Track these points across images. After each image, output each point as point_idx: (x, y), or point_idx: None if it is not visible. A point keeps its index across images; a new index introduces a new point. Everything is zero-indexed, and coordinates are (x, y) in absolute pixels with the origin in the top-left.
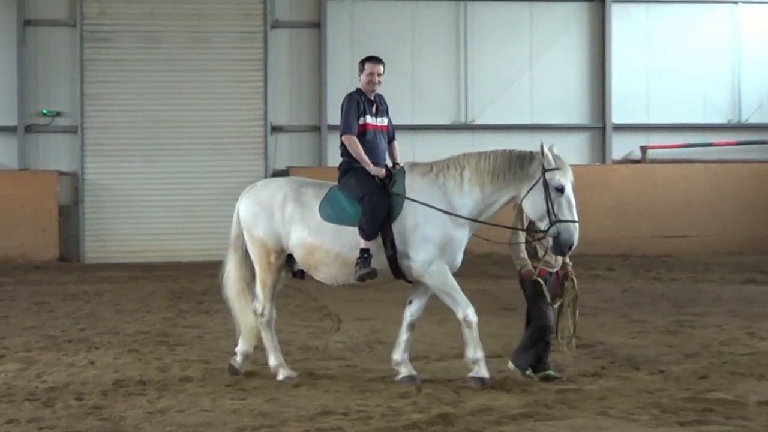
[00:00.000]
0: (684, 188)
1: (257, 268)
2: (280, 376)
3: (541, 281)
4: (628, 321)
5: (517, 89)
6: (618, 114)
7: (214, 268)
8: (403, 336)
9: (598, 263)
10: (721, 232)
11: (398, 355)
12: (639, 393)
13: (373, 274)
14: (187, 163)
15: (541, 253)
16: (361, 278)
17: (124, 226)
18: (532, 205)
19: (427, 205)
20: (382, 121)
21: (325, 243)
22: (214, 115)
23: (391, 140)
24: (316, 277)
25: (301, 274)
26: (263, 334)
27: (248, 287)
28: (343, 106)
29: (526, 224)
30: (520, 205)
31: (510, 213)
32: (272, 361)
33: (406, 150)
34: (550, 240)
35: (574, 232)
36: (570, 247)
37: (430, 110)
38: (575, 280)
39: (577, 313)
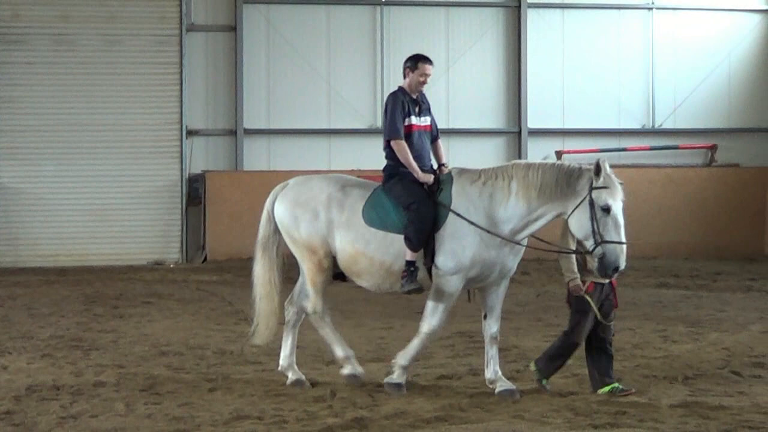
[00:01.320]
0: None
1: (306, 269)
2: (347, 371)
3: (588, 298)
4: (542, 325)
5: (434, 94)
6: (533, 119)
7: (129, 272)
8: (490, 353)
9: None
10: (634, 237)
11: (491, 373)
12: (553, 396)
13: (419, 290)
14: (102, 167)
15: (591, 265)
16: (408, 293)
17: (37, 230)
18: (578, 224)
19: (470, 222)
20: (426, 121)
21: (369, 250)
22: (128, 119)
23: (435, 139)
24: (358, 283)
25: (342, 277)
26: (322, 332)
27: (277, 290)
28: (387, 107)
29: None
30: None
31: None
32: (339, 352)
33: (322, 155)
34: (596, 261)
35: (621, 254)
36: (615, 269)
37: (347, 115)
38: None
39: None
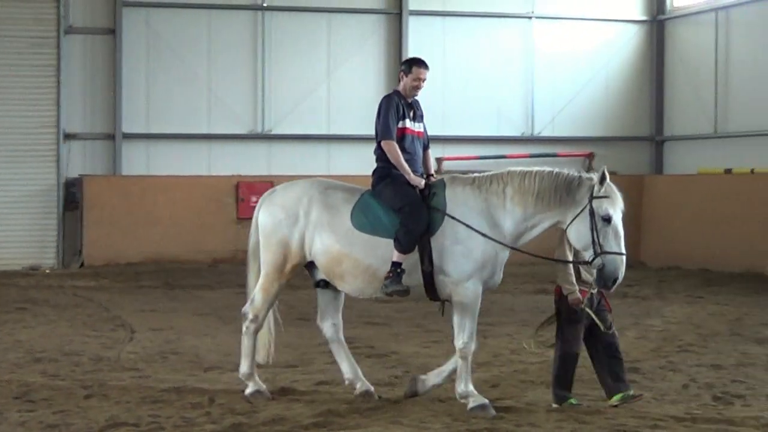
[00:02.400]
0: None
1: (264, 274)
2: (249, 389)
3: (588, 311)
4: (422, 331)
5: (315, 100)
6: None
7: (2, 277)
8: (449, 365)
9: None
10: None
11: (432, 378)
12: (432, 402)
13: (405, 291)
14: None
15: (585, 276)
16: (390, 294)
17: None
18: (577, 234)
19: (468, 226)
20: (419, 127)
21: (355, 253)
22: (4, 122)
23: (425, 148)
24: (339, 288)
25: (324, 284)
26: (244, 339)
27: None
28: (380, 108)
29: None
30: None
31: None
32: (244, 368)
33: (201, 161)
34: (594, 272)
35: (620, 265)
36: (614, 281)
37: (227, 120)
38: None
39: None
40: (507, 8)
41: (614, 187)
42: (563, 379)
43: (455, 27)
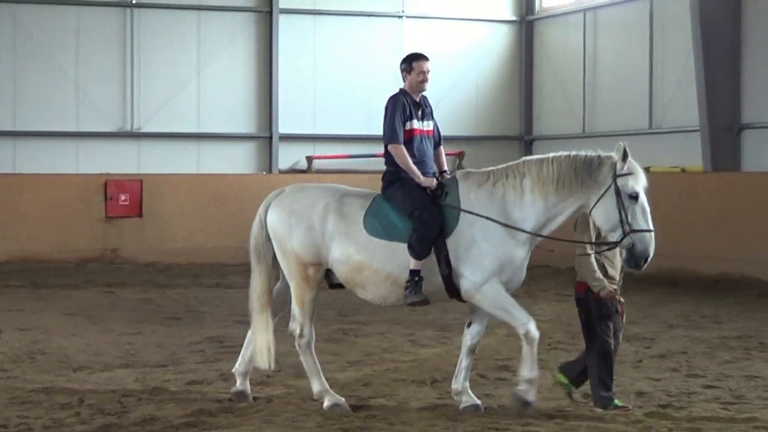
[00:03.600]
0: None
1: (293, 285)
2: (327, 404)
3: (621, 299)
4: None
5: (185, 97)
6: (285, 124)
7: None
8: (463, 362)
9: None
10: None
11: (458, 383)
12: (304, 401)
13: (425, 302)
14: None
15: (611, 272)
16: (411, 305)
17: None
18: (604, 215)
19: (485, 217)
20: (429, 125)
21: (375, 261)
22: None
23: (437, 145)
24: (360, 296)
25: (340, 286)
26: (303, 358)
27: (272, 303)
28: (386, 110)
29: (593, 237)
30: (586, 216)
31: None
32: (315, 387)
33: (69, 159)
34: (624, 252)
35: (650, 242)
36: (646, 259)
37: (95, 117)
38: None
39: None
40: (377, 7)
41: (636, 164)
42: (606, 380)
43: (326, 25)
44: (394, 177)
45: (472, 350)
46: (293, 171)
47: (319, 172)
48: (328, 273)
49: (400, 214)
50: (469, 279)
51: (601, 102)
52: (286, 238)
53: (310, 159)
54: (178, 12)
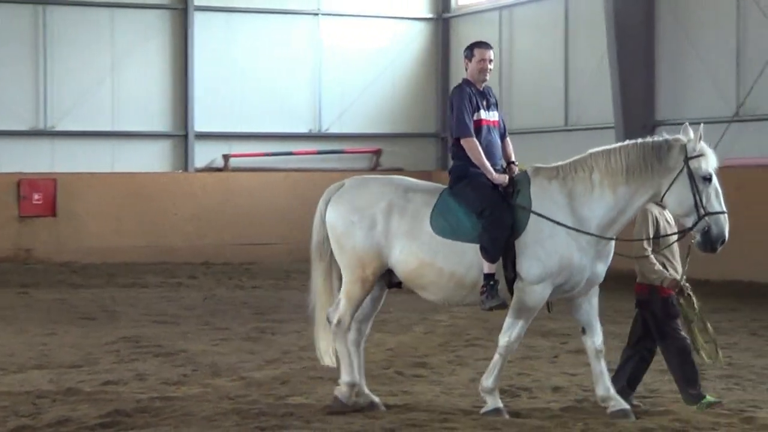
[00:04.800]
0: (265, 196)
1: (346, 281)
2: (344, 397)
3: (690, 293)
4: (210, 329)
5: (99, 96)
6: (200, 122)
7: None
8: (596, 368)
9: (180, 271)
10: (302, 240)
11: (601, 390)
12: (221, 399)
13: (503, 306)
14: None
15: (671, 271)
16: (490, 310)
17: None
18: (678, 200)
19: (555, 222)
20: (495, 116)
21: (438, 260)
22: None
23: (503, 137)
24: (422, 296)
25: (399, 285)
26: (339, 347)
27: (334, 299)
28: (452, 101)
29: (652, 233)
30: (644, 213)
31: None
32: (344, 377)
33: None
34: (698, 236)
35: (725, 224)
36: (723, 241)
37: (7, 116)
38: (693, 295)
39: (708, 325)
40: (293, 5)
41: (706, 145)
42: (692, 377)
43: (241, 23)
44: (462, 172)
45: (599, 352)
46: (210, 169)
47: (235, 170)
48: (388, 272)
49: (468, 211)
50: (524, 274)
51: (518, 99)
52: (347, 236)
53: (226, 157)
54: (90, 9)
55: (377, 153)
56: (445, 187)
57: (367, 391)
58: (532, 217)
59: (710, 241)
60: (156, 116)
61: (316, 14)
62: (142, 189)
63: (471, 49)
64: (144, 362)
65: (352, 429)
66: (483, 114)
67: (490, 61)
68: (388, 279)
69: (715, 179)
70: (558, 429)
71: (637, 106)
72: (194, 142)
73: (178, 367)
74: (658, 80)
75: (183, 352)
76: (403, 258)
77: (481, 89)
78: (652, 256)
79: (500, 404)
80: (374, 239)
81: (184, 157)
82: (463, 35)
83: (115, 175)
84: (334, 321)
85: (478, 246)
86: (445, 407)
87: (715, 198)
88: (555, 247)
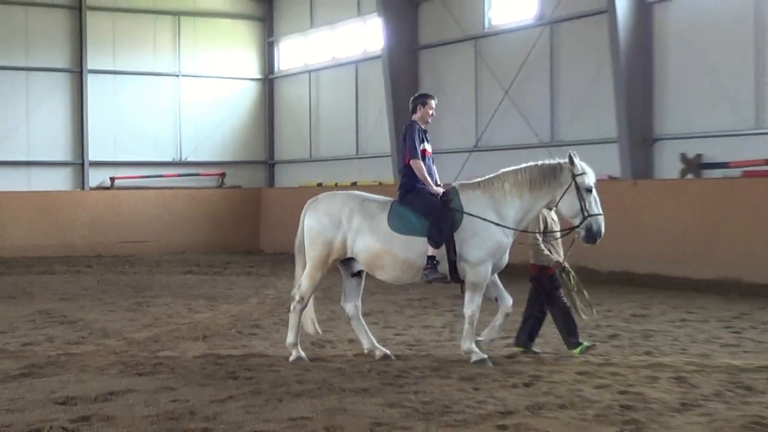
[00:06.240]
0: (142, 207)
1: (310, 265)
2: (293, 357)
3: (571, 270)
4: (102, 303)
5: (18, 135)
6: (93, 153)
7: None
8: (498, 321)
9: (79, 262)
10: (169, 238)
11: (486, 336)
12: (109, 354)
13: (444, 278)
14: None
15: (555, 255)
16: (431, 281)
17: None
18: (569, 206)
19: (482, 218)
20: (430, 147)
21: (394, 249)
22: None
23: (431, 162)
24: (378, 277)
25: (356, 275)
26: (291, 316)
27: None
28: (405, 134)
29: (542, 228)
30: (538, 213)
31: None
32: (290, 338)
33: None
34: (583, 232)
35: (602, 223)
36: (600, 235)
37: None
38: (571, 271)
39: (584, 291)
40: (161, 68)
41: (587, 165)
42: (573, 329)
43: (124, 82)
44: (410, 186)
45: (507, 314)
46: (100, 188)
47: (119, 188)
48: (350, 263)
49: (417, 215)
50: (470, 261)
51: (323, 136)
52: (320, 234)
53: (113, 179)
54: (10, 72)
55: (222, 175)
56: (394, 199)
57: (379, 345)
58: (466, 219)
59: (592, 236)
60: (60, 149)
61: (177, 75)
62: (51, 203)
63: (425, 98)
64: (53, 328)
65: (205, 372)
66: (426, 146)
67: (435, 108)
68: (350, 270)
69: (594, 190)
70: (353, 369)
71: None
72: (89, 168)
73: (78, 331)
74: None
75: (81, 320)
76: (366, 248)
77: (424, 128)
78: (542, 245)
79: (484, 355)
80: (341, 235)
81: (81, 179)
82: (284, 91)
83: (30, 193)
84: (297, 298)
85: (426, 238)
86: (272, 356)
87: (595, 204)
88: (489, 236)
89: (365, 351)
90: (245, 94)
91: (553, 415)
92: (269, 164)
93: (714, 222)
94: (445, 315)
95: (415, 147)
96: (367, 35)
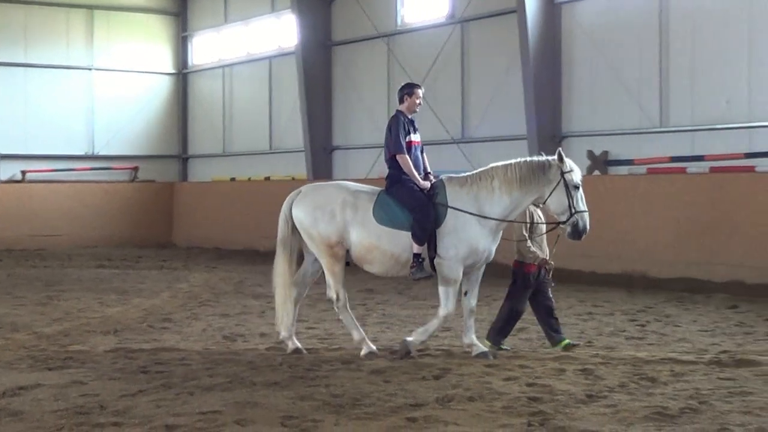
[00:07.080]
0: (53, 201)
1: (324, 261)
2: (364, 351)
3: (549, 266)
4: (11, 297)
5: None
6: (4, 147)
7: None
8: (467, 322)
9: None
10: (81, 232)
11: (468, 338)
12: (19, 348)
13: (430, 276)
14: None
15: (538, 253)
16: (417, 280)
17: None
18: (557, 202)
19: (466, 212)
20: (418, 137)
21: (382, 244)
22: None
23: (421, 151)
24: (368, 270)
25: (347, 264)
26: (342, 316)
27: (292, 281)
28: (390, 126)
29: (528, 224)
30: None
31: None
32: (356, 336)
33: None
34: (569, 228)
35: (588, 219)
36: (586, 231)
37: None
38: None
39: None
40: (73, 62)
41: (573, 162)
42: (504, 330)
43: (35, 75)
44: (396, 178)
45: (472, 311)
46: (11, 182)
47: (31, 182)
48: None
49: (401, 207)
50: (443, 254)
51: (236, 131)
52: (313, 227)
53: (24, 173)
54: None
55: (135, 169)
56: (382, 189)
57: (295, 340)
58: (450, 213)
59: (578, 232)
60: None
61: (90, 69)
62: None
63: (412, 88)
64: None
65: (116, 367)
66: (413, 136)
67: (421, 97)
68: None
69: (580, 187)
70: (264, 362)
71: (320, 138)
72: (1, 161)
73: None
74: (335, 121)
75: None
76: (358, 241)
77: (411, 118)
78: (528, 241)
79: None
80: (336, 226)
81: None
82: (198, 86)
83: None
84: (334, 299)
85: (410, 233)
86: (184, 350)
87: (581, 201)
88: (465, 237)
89: (281, 337)
90: (159, 89)
91: (461, 407)
92: (183, 158)
93: (619, 218)
94: (357, 308)
95: (400, 141)
96: (281, 31)
